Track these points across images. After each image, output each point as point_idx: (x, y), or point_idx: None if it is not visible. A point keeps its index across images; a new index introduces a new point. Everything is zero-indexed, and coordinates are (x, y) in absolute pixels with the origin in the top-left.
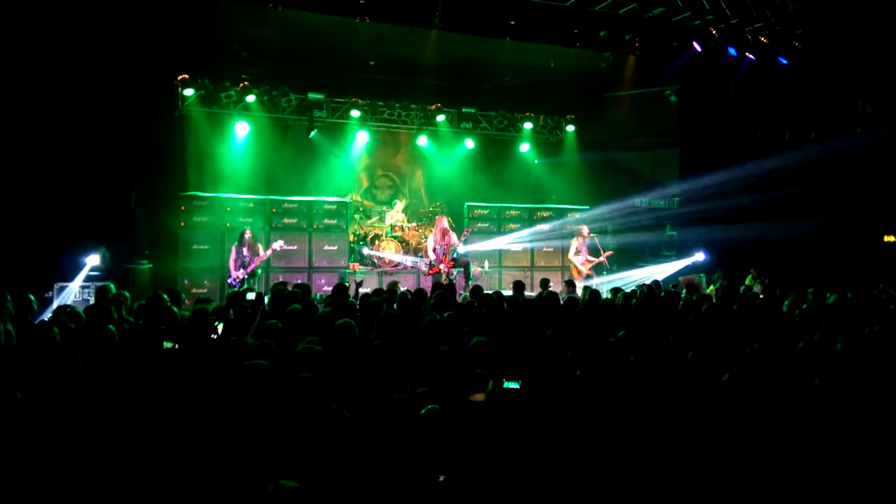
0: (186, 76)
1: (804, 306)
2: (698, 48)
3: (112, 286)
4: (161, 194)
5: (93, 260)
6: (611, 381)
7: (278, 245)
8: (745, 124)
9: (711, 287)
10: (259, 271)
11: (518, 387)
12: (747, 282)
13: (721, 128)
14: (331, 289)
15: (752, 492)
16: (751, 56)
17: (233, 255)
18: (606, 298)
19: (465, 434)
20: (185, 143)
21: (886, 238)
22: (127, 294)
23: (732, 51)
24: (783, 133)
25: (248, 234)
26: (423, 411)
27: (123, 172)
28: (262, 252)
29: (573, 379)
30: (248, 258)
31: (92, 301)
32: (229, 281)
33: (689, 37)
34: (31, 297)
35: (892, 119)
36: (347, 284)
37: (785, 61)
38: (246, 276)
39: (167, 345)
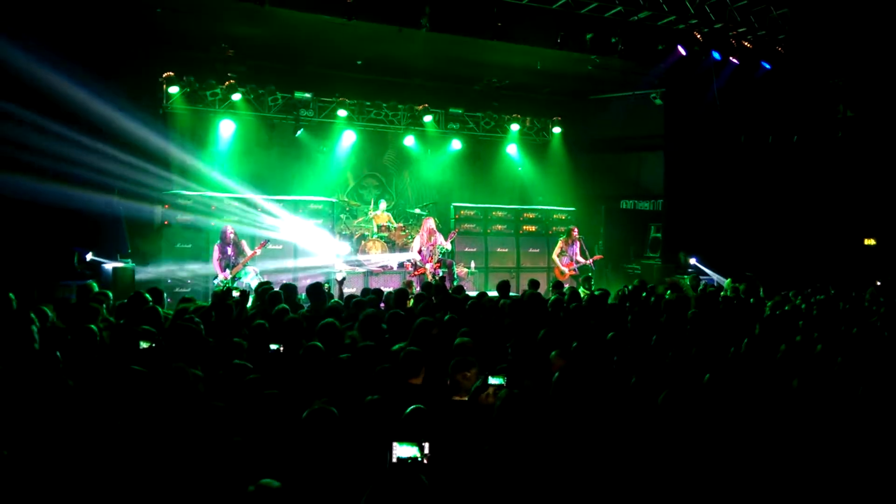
0: (171, 73)
1: (786, 308)
2: (683, 52)
3: (94, 284)
4: (145, 192)
5: (89, 257)
6: (593, 381)
7: (264, 243)
8: (728, 128)
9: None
10: (244, 272)
11: (503, 382)
12: (727, 284)
13: (705, 131)
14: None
15: (736, 491)
16: (734, 60)
17: (216, 255)
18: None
19: (448, 432)
20: (170, 141)
21: (867, 241)
22: (110, 293)
23: (716, 55)
24: (766, 137)
25: (230, 231)
26: (407, 410)
27: (107, 170)
28: (248, 250)
29: (554, 379)
30: (232, 257)
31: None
32: (216, 282)
33: (674, 41)
34: (12, 295)
35: (872, 124)
36: (329, 285)
37: (768, 66)
38: (232, 276)
39: (144, 344)
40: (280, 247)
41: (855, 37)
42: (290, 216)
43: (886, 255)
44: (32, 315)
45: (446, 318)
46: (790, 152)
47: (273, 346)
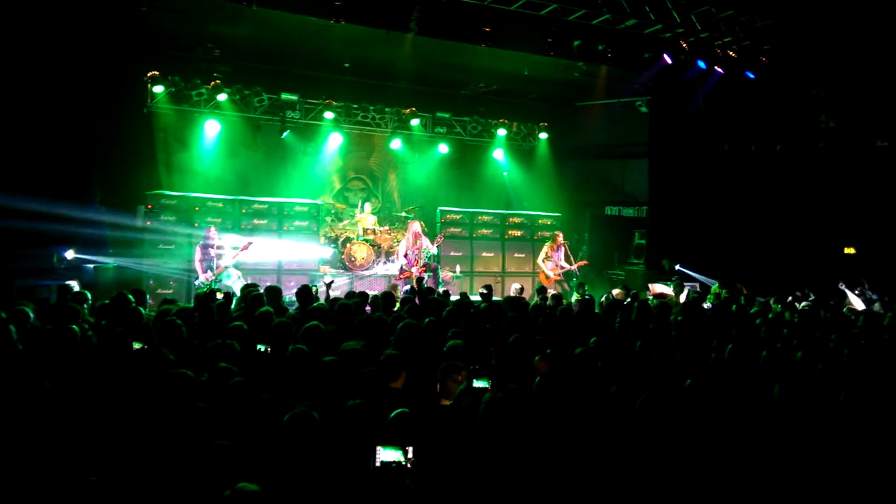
0: (156, 73)
1: (769, 315)
2: (669, 60)
3: (74, 284)
4: (127, 192)
5: (69, 254)
6: (576, 386)
7: (247, 245)
8: (712, 136)
9: (673, 297)
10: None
11: (488, 385)
12: (714, 290)
13: (690, 139)
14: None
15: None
16: (719, 69)
17: (198, 256)
18: (568, 304)
19: (433, 436)
20: (154, 141)
21: (847, 250)
22: (88, 294)
23: (702, 64)
24: (749, 145)
25: (213, 233)
26: (392, 415)
27: (89, 169)
28: (230, 252)
29: (535, 384)
30: (215, 259)
31: None
32: (197, 283)
33: (661, 49)
34: None
35: (853, 134)
36: (316, 287)
37: (752, 75)
38: (214, 278)
39: (136, 345)
40: (264, 249)
41: (837, 48)
42: (275, 218)
43: (865, 264)
44: (3, 315)
45: (426, 321)
46: (773, 161)
47: (261, 347)
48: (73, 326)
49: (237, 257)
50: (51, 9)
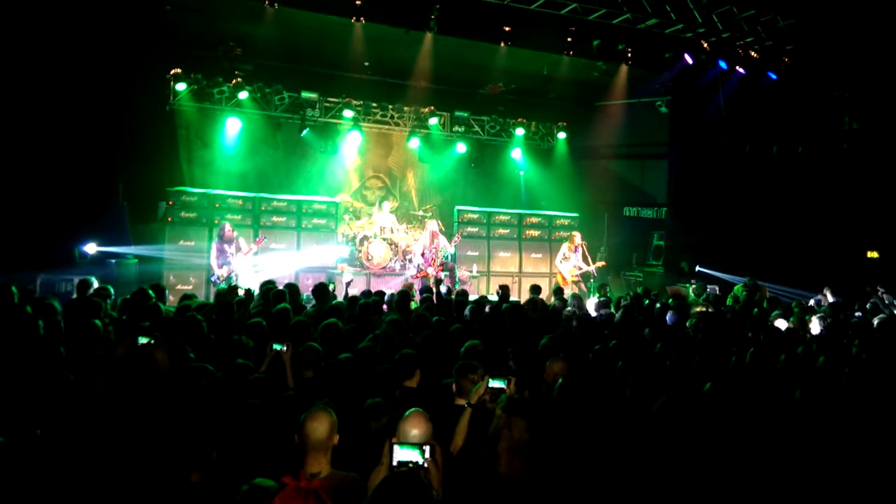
0: (179, 70)
1: (791, 319)
2: (690, 60)
3: (94, 279)
4: (149, 188)
5: (91, 248)
6: (595, 389)
7: (260, 240)
8: (733, 137)
9: (693, 297)
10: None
11: (504, 385)
12: (735, 291)
13: (710, 140)
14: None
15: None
16: (741, 70)
17: (214, 252)
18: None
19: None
20: (176, 138)
21: (869, 254)
22: (110, 288)
23: (723, 64)
24: (771, 147)
25: (228, 229)
26: (406, 413)
27: (112, 166)
28: (245, 248)
29: (557, 386)
30: (231, 255)
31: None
32: (213, 279)
33: (681, 49)
34: (14, 288)
35: (877, 136)
36: (333, 284)
37: (774, 76)
38: (231, 274)
39: (142, 340)
40: (283, 245)
41: (861, 49)
42: (293, 215)
43: (889, 269)
44: (29, 308)
45: (434, 319)
46: (795, 163)
47: (276, 346)
48: (96, 321)
49: (251, 252)
50: (77, 8)
